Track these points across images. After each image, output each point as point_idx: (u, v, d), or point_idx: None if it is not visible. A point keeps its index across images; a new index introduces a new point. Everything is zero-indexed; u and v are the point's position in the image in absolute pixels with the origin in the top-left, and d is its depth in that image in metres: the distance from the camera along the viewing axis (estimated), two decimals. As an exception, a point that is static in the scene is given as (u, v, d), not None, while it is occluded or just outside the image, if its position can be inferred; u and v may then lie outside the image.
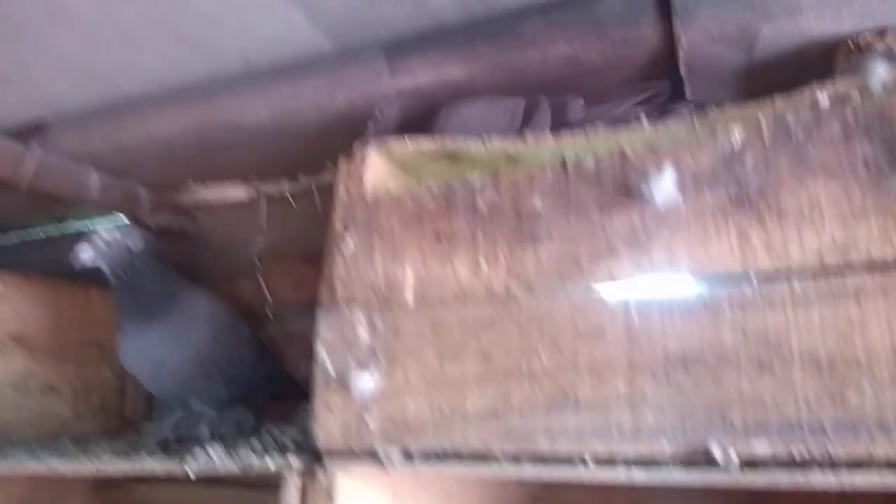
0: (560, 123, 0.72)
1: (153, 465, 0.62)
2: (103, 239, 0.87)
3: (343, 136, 1.01)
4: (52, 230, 1.41)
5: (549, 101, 0.77)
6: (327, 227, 0.60)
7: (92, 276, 1.25)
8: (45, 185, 1.02)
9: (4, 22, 0.72)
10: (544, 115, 0.74)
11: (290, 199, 1.13)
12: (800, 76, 0.62)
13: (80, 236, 1.32)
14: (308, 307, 1.17)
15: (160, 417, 0.96)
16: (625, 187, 0.48)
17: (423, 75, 0.86)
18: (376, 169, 0.61)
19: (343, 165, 0.61)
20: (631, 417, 0.45)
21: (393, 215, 0.57)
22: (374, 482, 0.57)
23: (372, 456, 0.53)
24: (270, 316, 1.16)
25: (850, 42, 0.67)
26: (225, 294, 1.08)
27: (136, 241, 0.88)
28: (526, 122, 0.74)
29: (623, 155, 0.50)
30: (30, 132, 1.03)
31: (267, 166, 1.11)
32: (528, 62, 0.82)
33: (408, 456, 0.52)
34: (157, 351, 0.89)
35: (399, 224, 0.57)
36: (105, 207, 1.13)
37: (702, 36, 0.74)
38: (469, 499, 0.74)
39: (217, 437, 0.85)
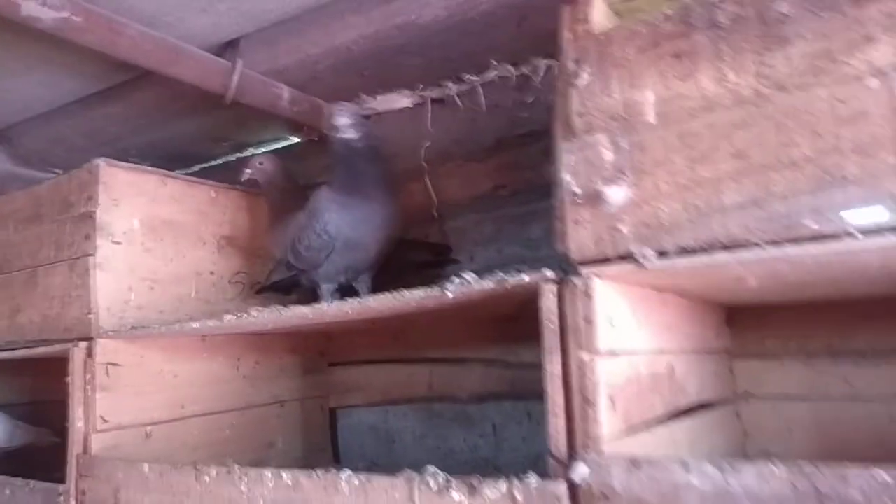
0: None
1: (415, 295, 0.70)
2: (355, 115, 1.00)
3: (508, 26, 1.05)
4: (229, 158, 1.56)
5: None
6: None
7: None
8: (246, 98, 1.14)
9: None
10: None
11: (456, 99, 1.19)
12: None
13: (251, 159, 1.44)
14: (475, 203, 1.25)
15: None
16: (880, -24, 0.50)
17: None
18: (599, 11, 0.65)
19: (566, 10, 0.66)
20: (904, 184, 0.47)
21: (627, 44, 0.61)
22: (622, 287, 0.63)
23: (626, 258, 0.59)
24: (436, 215, 1.25)
25: None
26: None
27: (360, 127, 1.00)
28: None
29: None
30: (224, 49, 1.14)
31: (434, 71, 1.18)
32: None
33: (663, 253, 0.57)
34: (367, 226, 1.00)
35: (635, 51, 0.61)
36: (292, 121, 1.24)
37: None
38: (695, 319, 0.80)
39: None
